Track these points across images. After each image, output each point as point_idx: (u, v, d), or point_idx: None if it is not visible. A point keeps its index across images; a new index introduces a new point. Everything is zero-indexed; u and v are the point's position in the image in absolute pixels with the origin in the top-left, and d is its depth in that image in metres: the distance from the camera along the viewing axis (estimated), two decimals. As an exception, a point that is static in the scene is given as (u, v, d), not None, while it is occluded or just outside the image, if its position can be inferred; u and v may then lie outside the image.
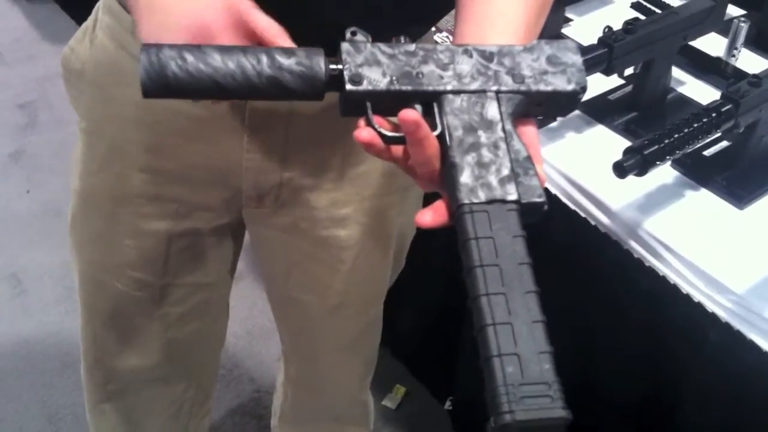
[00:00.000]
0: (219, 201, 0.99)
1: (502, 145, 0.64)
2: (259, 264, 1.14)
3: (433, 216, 0.64)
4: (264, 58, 0.64)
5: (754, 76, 1.17)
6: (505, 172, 0.63)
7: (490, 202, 0.62)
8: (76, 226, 1.06)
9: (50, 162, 2.49)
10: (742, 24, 1.40)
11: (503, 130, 0.65)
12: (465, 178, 0.63)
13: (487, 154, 0.64)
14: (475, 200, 0.62)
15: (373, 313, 1.18)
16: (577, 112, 1.35)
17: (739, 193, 1.21)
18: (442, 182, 0.65)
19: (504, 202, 0.62)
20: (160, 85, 0.63)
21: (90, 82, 0.95)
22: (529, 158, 0.64)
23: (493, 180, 0.63)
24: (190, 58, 0.63)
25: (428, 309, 1.70)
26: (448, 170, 0.64)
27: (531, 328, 0.58)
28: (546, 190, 1.24)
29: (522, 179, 0.63)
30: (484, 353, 0.57)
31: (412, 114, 0.61)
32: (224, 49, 0.64)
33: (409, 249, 1.16)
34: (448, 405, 1.76)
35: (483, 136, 0.64)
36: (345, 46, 0.66)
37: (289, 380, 1.32)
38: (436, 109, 0.66)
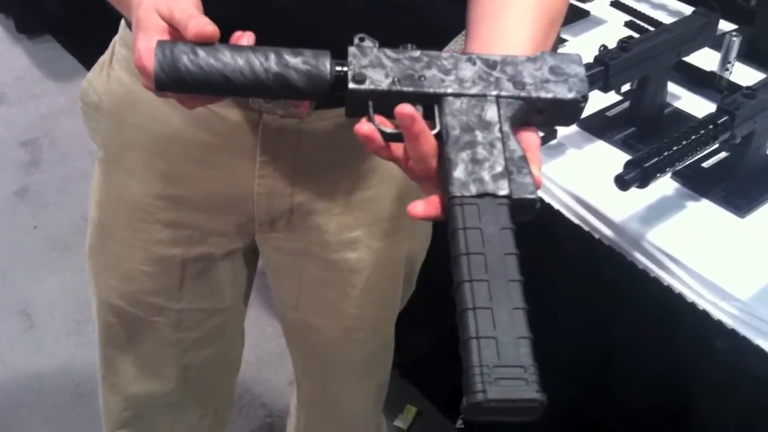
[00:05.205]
0: (232, 226, 1.01)
1: (498, 145, 0.65)
2: (272, 288, 1.16)
3: (425, 207, 0.65)
4: (272, 56, 0.67)
5: (748, 88, 1.19)
6: (499, 169, 0.64)
7: (481, 195, 0.63)
8: (93, 254, 1.08)
9: (55, 198, 2.49)
10: (734, 38, 1.42)
11: (500, 131, 0.66)
12: (458, 173, 0.64)
13: (482, 152, 0.65)
14: (467, 193, 0.63)
15: (384, 335, 1.19)
16: (576, 128, 1.37)
17: (738, 203, 1.23)
18: (439, 180, 0.66)
19: (495, 196, 0.63)
20: (173, 78, 0.65)
21: (107, 113, 0.98)
22: (524, 158, 0.65)
23: (486, 175, 0.64)
24: (201, 53, 0.66)
25: (438, 330, 1.71)
26: (443, 165, 0.65)
27: (511, 315, 0.58)
28: (550, 206, 1.27)
29: (515, 177, 0.64)
30: (463, 336, 0.58)
31: (407, 108, 0.63)
32: (235, 47, 0.67)
33: (419, 272, 1.17)
34: (459, 423, 1.76)
35: (480, 136, 0.66)
36: (352, 49, 0.68)
37: (301, 404, 1.32)
38: (436, 111, 0.67)
